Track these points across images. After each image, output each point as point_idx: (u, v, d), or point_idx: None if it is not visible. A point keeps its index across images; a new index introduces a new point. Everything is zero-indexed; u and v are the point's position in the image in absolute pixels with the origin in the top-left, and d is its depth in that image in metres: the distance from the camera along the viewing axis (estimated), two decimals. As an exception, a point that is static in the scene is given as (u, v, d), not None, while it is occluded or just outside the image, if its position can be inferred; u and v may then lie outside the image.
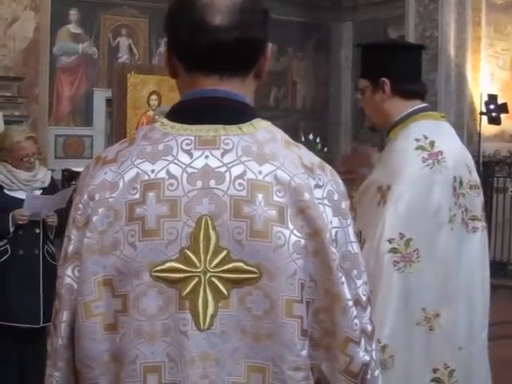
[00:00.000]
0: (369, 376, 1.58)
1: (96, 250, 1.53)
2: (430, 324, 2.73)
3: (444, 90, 11.39)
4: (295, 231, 1.50)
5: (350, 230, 1.57)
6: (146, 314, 1.50)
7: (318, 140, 14.32)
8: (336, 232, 1.54)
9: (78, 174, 8.47)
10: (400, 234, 2.71)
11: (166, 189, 1.51)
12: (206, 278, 1.50)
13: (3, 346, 5.01)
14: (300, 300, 1.51)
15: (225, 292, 1.50)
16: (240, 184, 1.50)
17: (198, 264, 1.50)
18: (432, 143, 2.81)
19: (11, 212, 4.91)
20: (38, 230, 5.05)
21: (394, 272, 2.71)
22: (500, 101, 11.14)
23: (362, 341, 1.56)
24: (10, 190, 5.04)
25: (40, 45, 11.36)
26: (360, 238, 2.82)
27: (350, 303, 1.53)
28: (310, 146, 13.73)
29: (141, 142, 1.58)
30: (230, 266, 1.50)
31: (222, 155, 1.52)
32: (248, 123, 1.57)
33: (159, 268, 1.50)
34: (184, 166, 1.52)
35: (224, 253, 1.50)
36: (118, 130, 8.51)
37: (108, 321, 1.53)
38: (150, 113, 7.59)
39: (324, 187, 1.55)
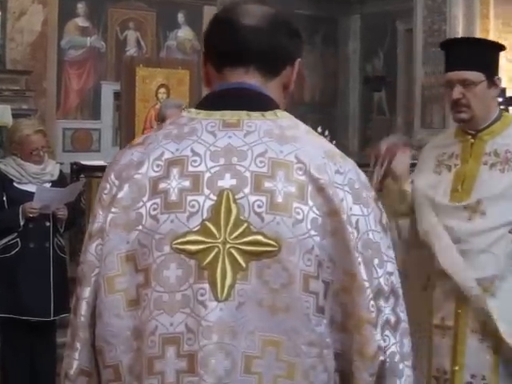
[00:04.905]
0: (388, 365, 1.58)
1: (120, 224, 1.58)
2: None
3: (452, 83, 11.34)
4: (314, 208, 1.54)
5: (371, 218, 1.60)
6: (166, 285, 1.53)
7: (326, 133, 14.28)
8: (357, 220, 1.57)
9: (86, 167, 8.43)
10: None
11: (189, 165, 1.56)
12: (226, 248, 1.53)
13: (14, 338, 5.04)
14: (316, 276, 1.53)
15: (243, 264, 1.53)
16: (261, 161, 1.56)
17: (217, 235, 1.54)
18: None
19: (21, 205, 4.93)
20: (48, 223, 5.06)
21: None
22: (508, 94, 11.11)
23: (380, 325, 1.56)
24: (19, 183, 5.05)
25: (48, 38, 11.33)
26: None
27: (367, 284, 1.55)
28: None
29: (167, 127, 1.65)
30: (250, 238, 1.53)
31: (245, 135, 1.58)
32: (271, 111, 1.63)
33: (180, 240, 1.54)
34: (208, 145, 1.58)
35: (244, 225, 1.54)
36: (126, 124, 8.52)
37: (131, 297, 1.56)
38: (159, 106, 7.60)
39: (345, 174, 1.59)
